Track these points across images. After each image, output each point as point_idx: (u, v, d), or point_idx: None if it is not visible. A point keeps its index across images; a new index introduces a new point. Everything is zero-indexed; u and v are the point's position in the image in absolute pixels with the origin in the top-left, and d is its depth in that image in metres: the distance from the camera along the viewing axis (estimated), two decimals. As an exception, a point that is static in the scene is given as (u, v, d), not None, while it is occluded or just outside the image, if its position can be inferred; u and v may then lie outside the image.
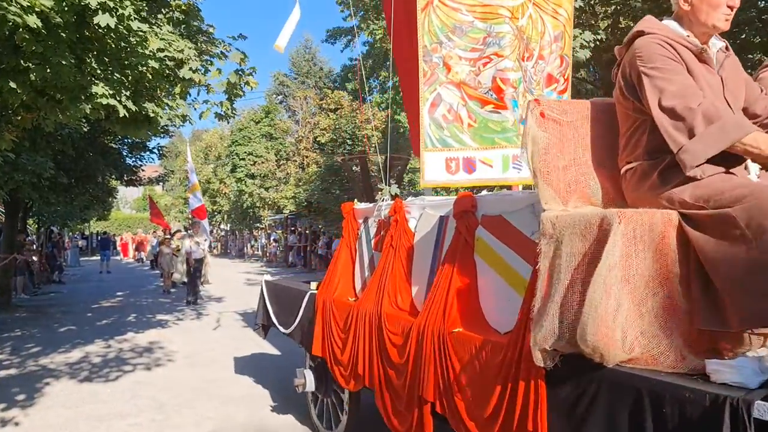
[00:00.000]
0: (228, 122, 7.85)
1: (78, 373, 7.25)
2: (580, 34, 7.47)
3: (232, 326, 10.67)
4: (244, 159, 31.76)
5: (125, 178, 18.75)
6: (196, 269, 13.82)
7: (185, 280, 14.65)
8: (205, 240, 14.47)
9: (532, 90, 4.73)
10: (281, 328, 5.30)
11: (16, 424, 5.39)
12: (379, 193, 4.48)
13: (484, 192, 3.64)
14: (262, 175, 30.48)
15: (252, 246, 38.41)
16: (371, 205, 4.58)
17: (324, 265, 23.38)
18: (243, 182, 31.14)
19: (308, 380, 4.90)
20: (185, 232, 15.78)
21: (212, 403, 5.94)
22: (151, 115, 6.33)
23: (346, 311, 4.11)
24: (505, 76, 4.57)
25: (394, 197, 4.52)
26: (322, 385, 4.85)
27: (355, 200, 4.87)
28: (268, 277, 5.98)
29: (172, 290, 16.47)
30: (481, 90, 4.59)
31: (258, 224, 34.60)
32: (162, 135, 16.14)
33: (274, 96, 36.22)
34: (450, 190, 15.70)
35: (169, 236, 17.96)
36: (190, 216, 15.66)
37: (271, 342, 9.04)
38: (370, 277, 4.14)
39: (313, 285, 5.01)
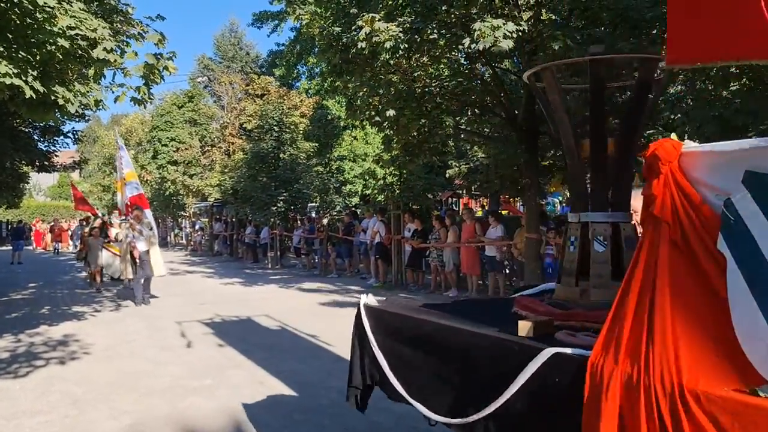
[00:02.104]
0: (145, 107, 7.55)
1: (-16, 369, 6.85)
2: (503, 24, 7.62)
3: (152, 317, 10.33)
4: (166, 145, 30.69)
5: (37, 164, 17.81)
6: (143, 262, 11.94)
7: (123, 276, 12.84)
8: (151, 230, 12.80)
9: None
10: (422, 408, 2.75)
11: None
12: None
13: None
14: (185, 161, 29.60)
15: (176, 234, 37.36)
16: None
17: (251, 254, 22.99)
18: (165, 169, 30.11)
19: None
20: (123, 221, 14.21)
21: (131, 396, 5.74)
22: (60, 102, 5.99)
23: None
24: None
25: None
26: None
27: (674, 134, 2.08)
28: (369, 298, 3.33)
29: (102, 288, 14.37)
30: None
31: (182, 212, 33.64)
32: (77, 119, 15.39)
33: (199, 81, 35.11)
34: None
35: (96, 226, 15.55)
36: (128, 204, 13.96)
37: (195, 333, 8.84)
38: None
39: (523, 326, 2.38)
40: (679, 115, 7.74)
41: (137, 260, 11.86)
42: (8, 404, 5.57)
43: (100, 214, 20.17)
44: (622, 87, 9.64)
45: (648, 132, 10.67)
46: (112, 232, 14.80)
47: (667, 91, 11.31)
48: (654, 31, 8.53)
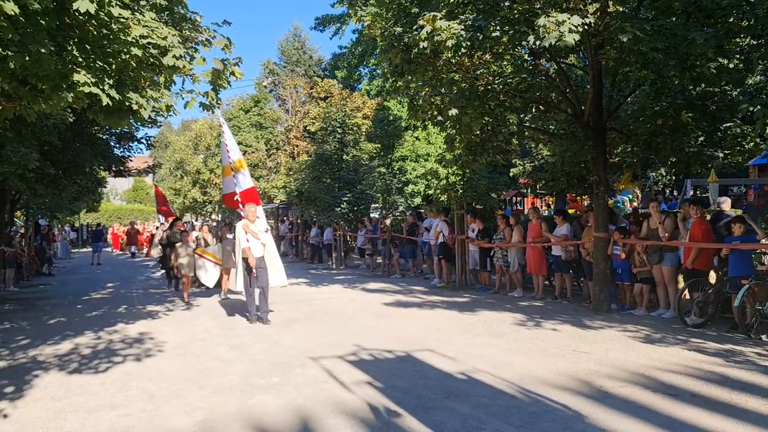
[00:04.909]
0: (213, 112, 7.75)
1: (67, 364, 7.20)
2: (569, 18, 7.41)
3: (222, 316, 10.63)
4: (233, 149, 31.58)
5: (114, 169, 18.71)
6: (259, 271, 9.85)
7: (238, 287, 10.19)
8: (267, 230, 10.43)
9: None
10: None
11: (5, 416, 5.34)
12: None
13: None
14: (252, 164, 30.35)
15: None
16: None
17: (316, 255, 23.32)
18: (233, 172, 30.94)
19: None
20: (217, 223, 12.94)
21: (203, 392, 5.91)
22: (134, 107, 6.24)
23: None
24: None
25: None
26: None
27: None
28: None
29: (190, 302, 12.39)
30: None
31: (249, 214, 34.45)
32: (149, 125, 16.08)
33: (265, 86, 35.92)
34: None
35: (184, 230, 14.15)
36: (239, 200, 10.94)
37: (262, 332, 9.03)
38: None
39: None
40: (758, 107, 7.31)
41: (253, 269, 9.80)
42: (90, 398, 5.83)
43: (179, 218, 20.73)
44: (696, 78, 9.25)
45: (726, 125, 10.16)
46: (192, 235, 14.00)
47: (745, 83, 10.74)
48: (731, 20, 8.10)
